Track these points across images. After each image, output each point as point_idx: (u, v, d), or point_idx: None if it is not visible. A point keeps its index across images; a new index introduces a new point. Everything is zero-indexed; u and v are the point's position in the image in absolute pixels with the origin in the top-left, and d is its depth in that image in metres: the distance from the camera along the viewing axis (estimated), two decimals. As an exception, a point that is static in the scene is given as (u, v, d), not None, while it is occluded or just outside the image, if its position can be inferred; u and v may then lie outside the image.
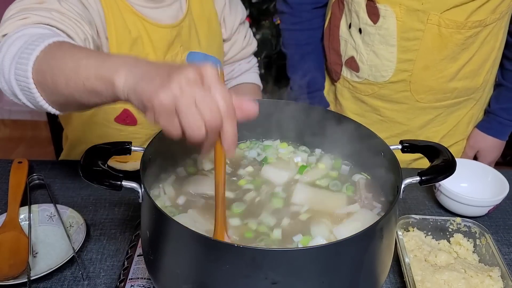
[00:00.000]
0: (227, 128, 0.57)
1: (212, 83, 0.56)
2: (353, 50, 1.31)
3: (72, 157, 1.33)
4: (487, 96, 1.40)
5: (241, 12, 1.38)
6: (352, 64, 1.32)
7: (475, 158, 1.44)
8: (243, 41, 1.40)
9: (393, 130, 1.37)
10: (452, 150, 0.80)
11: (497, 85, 1.39)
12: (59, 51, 0.72)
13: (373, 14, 1.22)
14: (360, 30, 1.27)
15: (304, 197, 0.85)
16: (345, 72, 1.37)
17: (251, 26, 2.45)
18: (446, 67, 1.24)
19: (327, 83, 1.49)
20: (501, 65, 1.36)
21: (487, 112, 1.41)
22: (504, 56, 1.34)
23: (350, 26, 1.30)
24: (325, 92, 1.49)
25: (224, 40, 1.36)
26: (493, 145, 1.40)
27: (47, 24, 0.82)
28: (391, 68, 1.25)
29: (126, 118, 1.18)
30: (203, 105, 0.55)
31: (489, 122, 1.39)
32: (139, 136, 1.22)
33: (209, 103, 0.55)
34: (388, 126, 1.37)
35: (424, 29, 1.18)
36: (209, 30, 1.27)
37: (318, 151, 0.98)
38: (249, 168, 0.93)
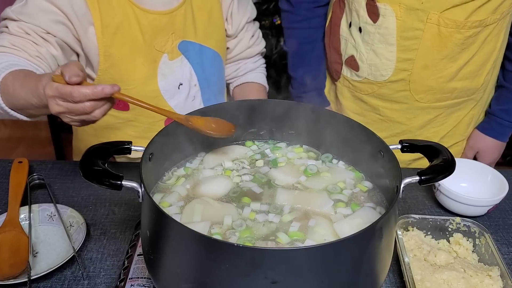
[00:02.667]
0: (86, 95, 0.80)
1: (64, 93, 0.80)
2: (353, 49, 1.31)
3: (83, 149, 1.35)
4: (487, 97, 1.39)
5: (250, 11, 1.39)
6: (352, 63, 1.33)
7: (475, 159, 1.44)
8: (249, 40, 1.41)
9: (393, 130, 1.37)
10: (452, 150, 0.80)
11: (498, 86, 1.38)
12: (10, 86, 0.94)
13: (373, 13, 1.22)
14: (360, 29, 1.27)
15: (287, 198, 0.85)
16: (345, 71, 1.37)
17: (250, 26, 2.46)
18: (446, 67, 1.24)
19: (328, 82, 1.49)
20: (503, 66, 1.36)
21: (487, 113, 1.41)
22: (505, 57, 1.34)
23: (350, 25, 1.30)
24: (326, 91, 1.49)
25: (229, 36, 1.38)
26: (493, 146, 1.40)
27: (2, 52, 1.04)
28: (391, 67, 1.26)
29: (118, 103, 1.22)
30: (75, 108, 0.81)
31: (489, 123, 1.39)
32: (136, 124, 1.26)
33: (76, 104, 0.80)
34: (387, 125, 1.37)
35: (424, 29, 1.18)
36: (209, 23, 1.28)
37: (340, 163, 0.96)
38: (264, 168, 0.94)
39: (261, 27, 2.43)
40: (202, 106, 1.31)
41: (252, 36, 1.42)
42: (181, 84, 1.26)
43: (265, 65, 1.52)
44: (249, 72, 1.46)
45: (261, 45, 1.46)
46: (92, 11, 1.10)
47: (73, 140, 1.42)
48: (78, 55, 1.17)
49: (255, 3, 2.43)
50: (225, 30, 1.35)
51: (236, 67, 1.45)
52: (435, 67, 1.24)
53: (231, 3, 1.33)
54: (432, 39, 1.20)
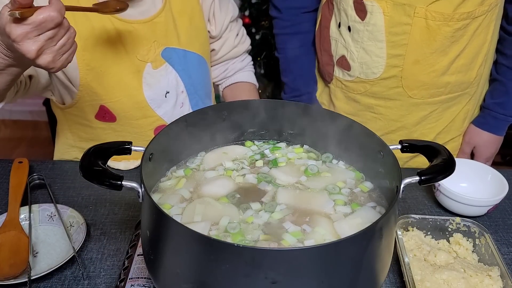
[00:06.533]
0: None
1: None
2: (343, 49, 1.31)
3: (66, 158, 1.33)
4: (482, 91, 1.39)
5: (232, 10, 1.37)
6: (343, 63, 1.32)
7: (472, 154, 1.43)
8: (234, 39, 1.40)
9: (388, 128, 1.37)
10: (448, 146, 0.80)
11: (492, 80, 1.38)
12: None
13: (361, 10, 1.22)
14: (349, 28, 1.27)
15: (287, 198, 0.85)
16: (337, 72, 1.37)
17: (250, 26, 2.45)
18: (437, 61, 1.23)
19: (320, 85, 1.49)
20: (495, 60, 1.35)
21: (482, 107, 1.40)
22: (497, 51, 1.33)
23: (339, 25, 1.30)
24: (319, 94, 1.49)
25: (213, 38, 1.36)
26: (489, 141, 1.40)
27: None
28: (382, 64, 1.25)
29: (105, 115, 1.20)
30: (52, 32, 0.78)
31: (484, 118, 1.39)
32: (124, 134, 1.24)
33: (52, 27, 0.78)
34: (382, 123, 1.36)
35: (412, 23, 1.18)
36: (191, 27, 1.26)
37: (341, 163, 0.96)
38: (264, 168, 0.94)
39: (261, 27, 2.44)
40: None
41: (237, 35, 1.41)
42: (168, 92, 1.24)
43: (252, 63, 1.51)
44: (238, 71, 1.45)
45: (246, 43, 1.45)
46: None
47: (55, 153, 1.37)
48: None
49: (255, 3, 2.45)
50: (208, 32, 1.34)
51: (224, 67, 1.44)
52: (426, 61, 1.23)
53: (211, 4, 1.30)
54: (421, 33, 1.19)
